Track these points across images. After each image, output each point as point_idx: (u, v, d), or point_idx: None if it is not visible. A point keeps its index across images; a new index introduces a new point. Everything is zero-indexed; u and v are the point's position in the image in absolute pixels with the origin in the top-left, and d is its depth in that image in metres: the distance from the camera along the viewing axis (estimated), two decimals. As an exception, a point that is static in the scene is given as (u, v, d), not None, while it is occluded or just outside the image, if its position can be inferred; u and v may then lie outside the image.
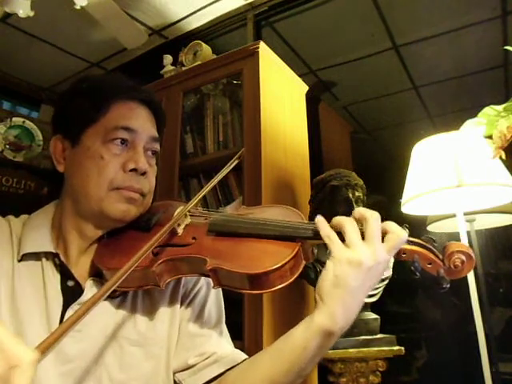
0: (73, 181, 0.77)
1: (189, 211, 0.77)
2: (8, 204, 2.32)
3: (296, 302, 1.75)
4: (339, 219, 0.64)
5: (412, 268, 0.62)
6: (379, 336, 1.50)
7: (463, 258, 0.61)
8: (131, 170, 0.75)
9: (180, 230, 0.75)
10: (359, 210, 0.64)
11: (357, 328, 1.48)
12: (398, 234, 0.62)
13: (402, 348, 1.48)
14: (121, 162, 0.75)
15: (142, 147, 0.78)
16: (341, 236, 0.63)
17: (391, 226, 0.63)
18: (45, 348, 0.44)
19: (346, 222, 0.63)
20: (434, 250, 0.63)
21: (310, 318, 0.64)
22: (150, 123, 0.82)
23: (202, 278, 0.86)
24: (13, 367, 0.37)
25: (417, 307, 2.69)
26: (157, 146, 0.82)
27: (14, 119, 2.48)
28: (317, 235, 0.64)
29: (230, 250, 0.68)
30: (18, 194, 2.45)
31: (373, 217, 0.62)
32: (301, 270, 0.66)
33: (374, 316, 1.54)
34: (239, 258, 0.66)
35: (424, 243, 0.64)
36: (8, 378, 0.36)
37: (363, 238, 0.61)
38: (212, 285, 0.68)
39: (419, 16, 2.23)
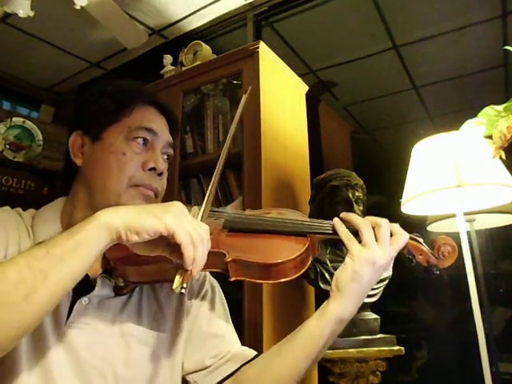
0: (91, 175, 0.80)
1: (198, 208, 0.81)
2: (8, 204, 2.31)
3: (296, 302, 1.75)
4: (356, 221, 0.75)
5: (409, 257, 0.77)
6: (379, 336, 1.50)
7: (449, 249, 0.75)
8: (150, 170, 0.80)
9: None
10: (370, 219, 0.76)
11: (357, 328, 1.47)
12: (403, 237, 0.75)
13: (402, 348, 1.48)
14: (141, 161, 0.79)
15: (160, 150, 0.83)
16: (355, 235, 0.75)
17: (396, 228, 0.76)
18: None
19: (363, 225, 0.74)
20: (423, 243, 0.78)
21: (323, 308, 0.75)
22: (166, 129, 0.87)
23: (207, 280, 0.90)
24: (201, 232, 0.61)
25: (417, 307, 2.69)
26: (171, 151, 0.87)
27: (14, 119, 2.47)
28: (334, 232, 0.76)
29: (246, 244, 0.75)
30: (18, 194, 2.45)
31: (384, 223, 0.75)
32: (310, 262, 0.75)
33: (374, 316, 1.54)
34: (257, 250, 0.73)
35: (416, 238, 0.77)
36: (202, 237, 0.61)
37: (376, 239, 0.73)
38: (229, 277, 0.71)
39: (419, 16, 2.23)
